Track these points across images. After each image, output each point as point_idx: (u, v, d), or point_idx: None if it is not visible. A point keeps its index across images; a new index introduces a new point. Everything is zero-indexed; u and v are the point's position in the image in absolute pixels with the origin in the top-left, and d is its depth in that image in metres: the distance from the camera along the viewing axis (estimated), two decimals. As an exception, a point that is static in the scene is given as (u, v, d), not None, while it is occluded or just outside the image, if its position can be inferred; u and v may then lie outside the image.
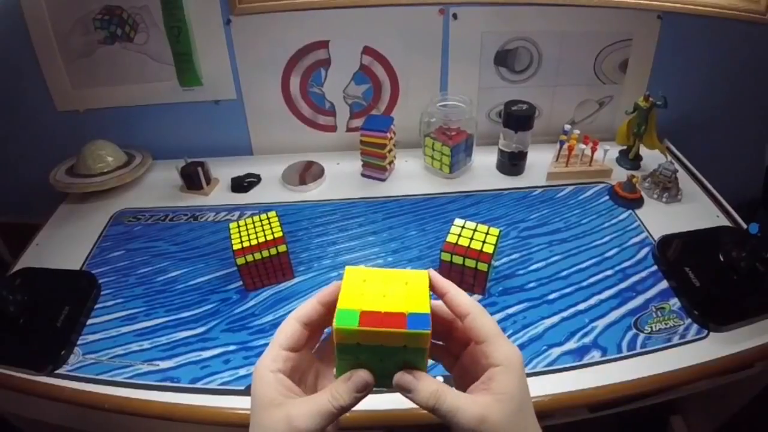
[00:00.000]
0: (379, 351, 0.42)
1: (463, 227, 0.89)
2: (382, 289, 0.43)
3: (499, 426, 0.39)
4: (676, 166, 1.12)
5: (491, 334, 0.43)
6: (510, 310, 0.87)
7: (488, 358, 0.42)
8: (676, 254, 0.95)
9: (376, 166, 1.20)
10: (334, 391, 0.41)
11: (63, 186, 1.14)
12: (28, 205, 1.24)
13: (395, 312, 0.41)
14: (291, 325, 0.45)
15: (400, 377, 0.42)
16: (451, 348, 0.50)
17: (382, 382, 0.43)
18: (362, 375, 0.42)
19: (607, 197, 1.13)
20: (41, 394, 0.77)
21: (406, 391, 0.42)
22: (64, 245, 1.05)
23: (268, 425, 0.40)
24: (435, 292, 0.47)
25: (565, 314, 0.86)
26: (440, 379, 0.43)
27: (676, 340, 0.81)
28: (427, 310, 0.42)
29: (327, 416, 0.40)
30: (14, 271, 0.97)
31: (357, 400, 0.42)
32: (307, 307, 0.46)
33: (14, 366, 0.79)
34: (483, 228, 0.89)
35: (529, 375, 0.74)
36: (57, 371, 0.79)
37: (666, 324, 0.83)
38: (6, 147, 1.33)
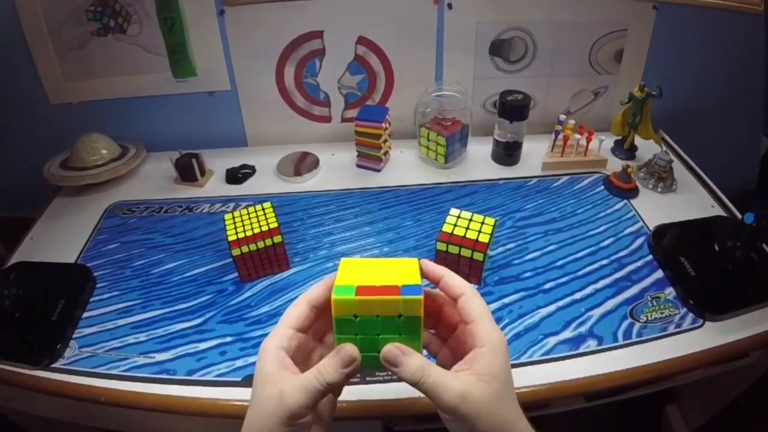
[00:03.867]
0: (376, 325, 0.44)
1: (458, 217, 0.89)
2: (376, 272, 0.46)
3: (480, 404, 0.41)
4: (671, 156, 1.12)
5: (480, 315, 0.45)
6: (506, 300, 0.87)
7: (474, 337, 0.44)
8: (672, 244, 0.95)
9: (371, 157, 1.19)
10: (320, 367, 0.43)
11: (57, 179, 1.14)
12: (23, 198, 1.23)
13: (389, 285, 0.44)
14: (299, 306, 0.48)
15: (388, 350, 0.44)
16: (439, 332, 0.52)
17: (379, 363, 0.45)
18: (348, 349, 0.44)
19: (602, 187, 1.13)
20: (37, 388, 0.77)
21: (392, 365, 0.44)
22: (59, 239, 1.05)
23: (263, 399, 0.43)
24: (430, 278, 0.48)
25: (561, 303, 0.86)
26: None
27: (671, 329, 0.81)
28: (419, 282, 0.44)
29: (313, 392, 0.42)
30: (9, 265, 0.97)
31: (343, 376, 0.43)
32: (316, 290, 0.49)
33: (10, 360, 0.79)
34: (479, 218, 0.88)
35: (525, 364, 0.76)
36: (53, 365, 0.79)
37: (661, 313, 0.83)
38: (-1, 140, 1.32)
